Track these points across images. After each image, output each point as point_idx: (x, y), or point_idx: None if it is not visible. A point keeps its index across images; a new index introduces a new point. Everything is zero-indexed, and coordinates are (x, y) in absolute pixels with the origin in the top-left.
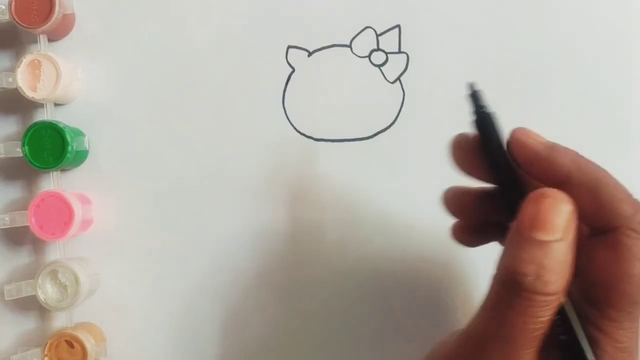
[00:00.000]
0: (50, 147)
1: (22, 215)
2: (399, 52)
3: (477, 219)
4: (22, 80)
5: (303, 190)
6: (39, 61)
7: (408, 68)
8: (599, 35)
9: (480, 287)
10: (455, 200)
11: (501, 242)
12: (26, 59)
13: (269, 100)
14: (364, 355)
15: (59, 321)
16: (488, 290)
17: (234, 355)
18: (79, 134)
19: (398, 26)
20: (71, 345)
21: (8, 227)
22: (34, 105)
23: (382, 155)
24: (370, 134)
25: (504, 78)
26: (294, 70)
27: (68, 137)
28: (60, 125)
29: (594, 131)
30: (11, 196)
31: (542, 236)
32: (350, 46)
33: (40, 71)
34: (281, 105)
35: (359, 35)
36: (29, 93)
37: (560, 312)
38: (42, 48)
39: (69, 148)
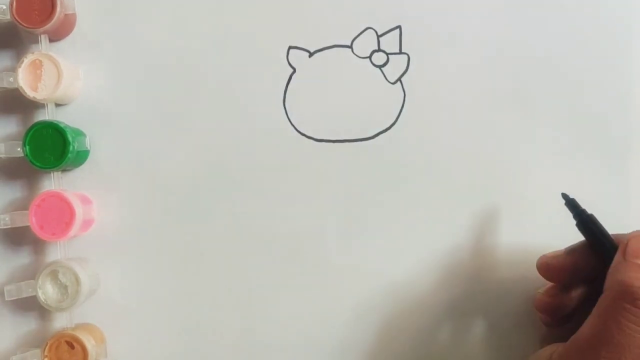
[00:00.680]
0: (51, 147)
1: (23, 215)
2: (400, 52)
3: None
4: (23, 80)
5: (303, 191)
6: (40, 61)
7: (409, 69)
8: (599, 40)
9: (480, 286)
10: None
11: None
12: (27, 59)
13: (270, 101)
14: (364, 356)
15: (59, 322)
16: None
17: (234, 355)
18: (80, 134)
19: (399, 27)
20: (71, 346)
21: (8, 227)
22: (35, 105)
23: (383, 156)
24: (371, 135)
25: (504, 78)
26: (294, 70)
27: (69, 137)
28: (61, 125)
29: (594, 131)
30: (12, 196)
31: None
32: (351, 47)
33: (41, 71)
34: (282, 105)
35: (360, 36)
36: (30, 93)
37: None
38: (43, 48)
39: (70, 148)
